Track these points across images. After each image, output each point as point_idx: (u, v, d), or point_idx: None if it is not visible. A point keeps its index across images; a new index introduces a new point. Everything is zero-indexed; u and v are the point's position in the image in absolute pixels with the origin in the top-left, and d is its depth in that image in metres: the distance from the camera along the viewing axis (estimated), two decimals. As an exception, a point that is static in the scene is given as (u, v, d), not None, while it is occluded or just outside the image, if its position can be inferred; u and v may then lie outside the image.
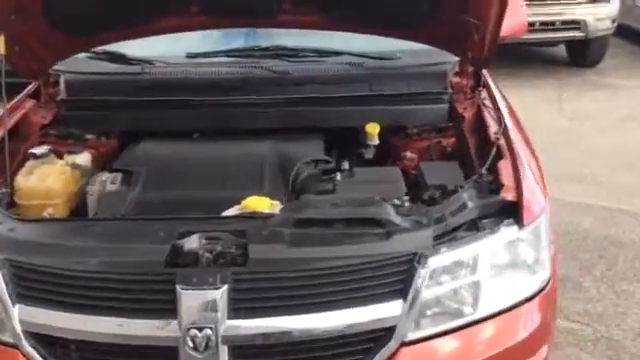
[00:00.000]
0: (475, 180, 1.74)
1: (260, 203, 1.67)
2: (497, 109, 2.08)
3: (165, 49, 2.42)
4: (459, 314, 1.57)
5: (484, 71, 2.37)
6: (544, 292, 1.67)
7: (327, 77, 2.23)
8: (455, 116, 2.18)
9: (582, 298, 3.03)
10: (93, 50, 2.37)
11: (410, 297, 1.48)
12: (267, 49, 2.34)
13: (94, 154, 2.15)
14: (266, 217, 1.60)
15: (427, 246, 1.51)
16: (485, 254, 1.58)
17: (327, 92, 2.18)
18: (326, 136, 2.16)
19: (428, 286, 1.50)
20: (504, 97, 2.47)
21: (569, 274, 3.22)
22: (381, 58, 2.31)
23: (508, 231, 1.61)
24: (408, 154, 2.12)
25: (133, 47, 2.37)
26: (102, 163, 2.14)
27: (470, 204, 1.63)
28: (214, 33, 2.40)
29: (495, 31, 2.03)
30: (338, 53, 2.33)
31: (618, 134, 5.16)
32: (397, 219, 1.55)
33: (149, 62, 2.33)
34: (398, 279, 1.49)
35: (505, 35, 2.60)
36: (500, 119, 2.00)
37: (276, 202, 1.71)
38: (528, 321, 1.64)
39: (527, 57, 7.29)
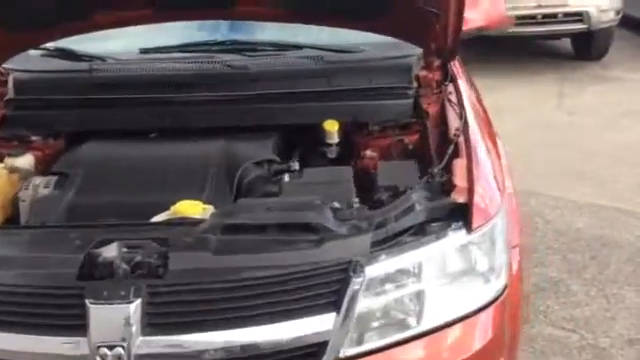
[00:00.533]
0: (427, 181, 1.61)
1: (191, 208, 1.55)
2: (461, 104, 1.94)
3: (120, 45, 2.32)
4: (404, 326, 1.44)
5: (455, 63, 2.24)
6: (499, 302, 1.53)
7: (283, 72, 2.10)
8: (419, 112, 2.04)
9: (570, 302, 2.89)
10: (44, 47, 2.28)
11: (344, 309, 1.35)
12: (224, 43, 2.23)
13: (39, 156, 2.04)
14: (194, 223, 1.49)
15: (363, 253, 1.38)
16: (431, 261, 1.44)
17: (283, 88, 2.06)
18: (284, 134, 2.04)
19: (366, 296, 1.38)
20: (476, 90, 2.34)
21: (558, 276, 3.08)
22: (342, 51, 2.18)
23: (456, 236, 1.47)
24: (368, 153, 1.99)
25: (87, 43, 2.27)
26: (47, 166, 2.04)
27: (418, 207, 1.50)
28: (170, 27, 2.28)
29: (457, 22, 1.90)
30: (298, 47, 2.21)
31: (620, 129, 4.98)
32: (333, 224, 1.43)
33: (100, 59, 2.23)
34: (330, 290, 1.36)
35: (483, 26, 2.50)
36: (462, 115, 1.87)
37: (209, 206, 1.59)
38: (481, 333, 1.51)
39: (530, 51, 7.11)
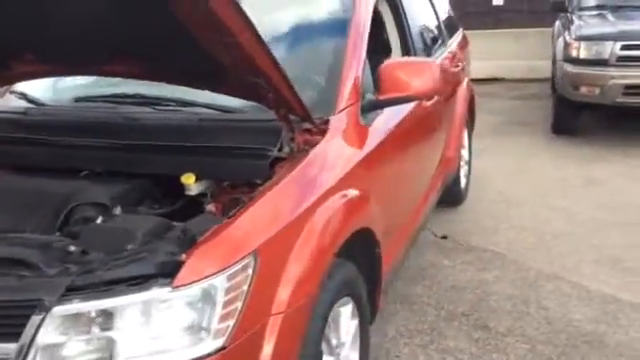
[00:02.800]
0: (177, 236, 1.69)
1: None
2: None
3: (71, 93, 2.68)
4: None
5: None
6: (208, 362, 1.55)
7: (159, 126, 2.29)
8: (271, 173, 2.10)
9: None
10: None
11: (22, 342, 1.48)
12: (132, 96, 2.47)
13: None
14: None
15: (55, 294, 1.50)
16: (126, 311, 1.52)
17: (151, 140, 2.23)
18: (146, 183, 2.19)
19: (52, 334, 1.49)
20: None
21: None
22: (225, 111, 2.31)
23: (160, 290, 1.53)
24: (208, 207, 2.09)
25: (44, 89, 2.68)
26: None
27: (146, 258, 1.59)
28: (102, 80, 2.59)
29: (290, 93, 1.96)
30: (191, 104, 2.38)
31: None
32: (45, 264, 1.57)
33: (42, 104, 2.60)
34: (14, 323, 1.50)
35: (411, 95, 2.49)
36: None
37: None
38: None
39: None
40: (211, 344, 1.56)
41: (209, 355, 1.55)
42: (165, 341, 1.54)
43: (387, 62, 2.54)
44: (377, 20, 3.35)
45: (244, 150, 2.14)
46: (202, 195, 2.18)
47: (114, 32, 1.86)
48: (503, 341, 3.04)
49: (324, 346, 2.10)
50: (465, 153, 4.90)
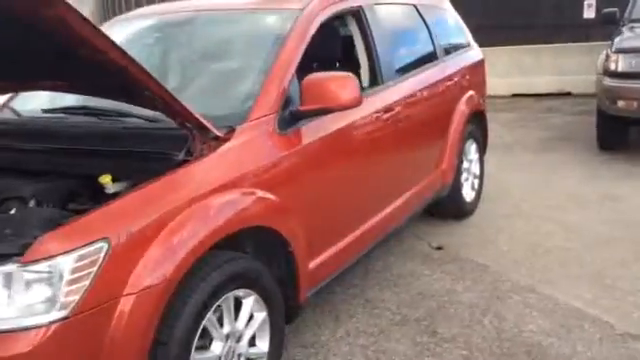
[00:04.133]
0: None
1: None
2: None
3: (42, 104, 3.10)
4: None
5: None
6: (54, 331, 1.84)
7: (86, 133, 2.64)
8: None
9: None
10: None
11: None
12: (82, 108, 2.83)
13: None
14: None
15: None
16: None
17: (81, 145, 2.58)
18: (72, 183, 2.51)
19: None
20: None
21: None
22: (151, 120, 2.61)
23: (12, 266, 1.85)
24: None
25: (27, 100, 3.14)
26: None
27: (10, 240, 1.93)
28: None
29: (177, 105, 2.24)
30: (128, 114, 2.70)
31: None
32: None
33: (18, 114, 3.04)
34: None
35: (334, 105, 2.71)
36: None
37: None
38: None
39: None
40: (56, 314, 1.85)
41: (52, 323, 1.84)
42: (18, 308, 1.85)
43: (309, 76, 2.75)
44: (337, 39, 3.60)
45: (153, 154, 2.44)
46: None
47: (21, 61, 2.24)
48: (442, 346, 3.12)
49: (214, 332, 2.34)
50: (473, 167, 4.94)
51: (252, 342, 2.58)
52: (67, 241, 1.91)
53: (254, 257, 2.59)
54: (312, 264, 2.87)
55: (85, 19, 1.88)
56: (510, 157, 6.88)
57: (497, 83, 11.31)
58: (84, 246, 1.91)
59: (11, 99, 3.31)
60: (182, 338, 2.16)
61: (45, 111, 2.97)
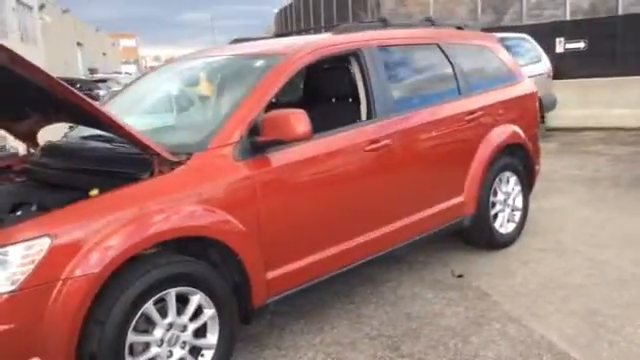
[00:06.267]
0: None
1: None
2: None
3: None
4: None
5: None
6: (5, 299, 2.48)
7: (86, 156, 3.36)
8: None
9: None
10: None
11: None
12: (99, 136, 3.55)
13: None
14: None
15: None
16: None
17: (82, 165, 3.31)
18: (73, 194, 3.15)
19: None
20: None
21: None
22: (122, 144, 3.24)
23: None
24: None
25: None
26: None
27: None
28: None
29: (134, 138, 2.88)
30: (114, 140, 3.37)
31: None
32: None
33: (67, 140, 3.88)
34: None
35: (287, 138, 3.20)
36: None
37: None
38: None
39: None
40: (7, 287, 2.51)
41: (4, 293, 2.50)
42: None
43: (268, 113, 3.24)
44: (333, 77, 4.05)
45: (130, 174, 3.06)
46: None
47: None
48: (396, 360, 3.38)
49: (157, 320, 2.88)
50: (511, 200, 5.02)
51: (202, 334, 3.08)
52: (19, 234, 2.57)
53: (212, 263, 3.09)
54: (270, 275, 3.31)
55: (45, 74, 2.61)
56: (591, 192, 6.71)
57: (625, 114, 10.78)
58: (30, 239, 2.56)
59: (72, 128, 4.15)
60: (118, 320, 2.72)
61: (82, 138, 3.75)
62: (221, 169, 3.14)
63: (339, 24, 4.29)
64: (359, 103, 4.01)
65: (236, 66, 3.93)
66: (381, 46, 4.13)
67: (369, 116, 3.94)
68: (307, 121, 3.21)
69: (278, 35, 4.88)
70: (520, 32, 12.34)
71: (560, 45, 18.47)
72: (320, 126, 3.70)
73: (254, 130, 3.26)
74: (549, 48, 15.30)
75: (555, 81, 11.12)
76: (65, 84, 2.76)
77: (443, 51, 4.60)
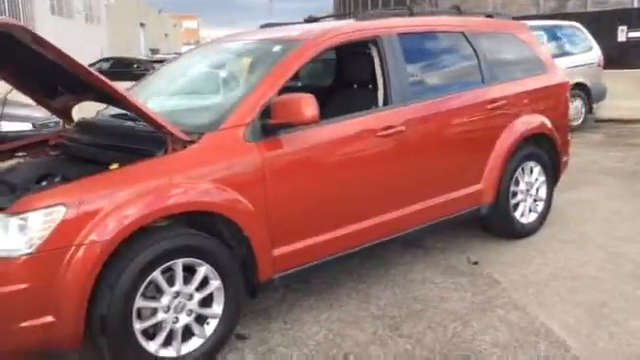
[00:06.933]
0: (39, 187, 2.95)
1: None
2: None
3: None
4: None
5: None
6: (22, 261, 2.72)
7: (112, 132, 3.58)
8: None
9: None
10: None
11: None
12: (125, 114, 3.77)
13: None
14: None
15: None
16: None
17: (106, 140, 3.53)
18: (95, 167, 3.36)
19: None
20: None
21: None
22: (135, 120, 3.48)
23: (1, 214, 2.78)
24: None
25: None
26: None
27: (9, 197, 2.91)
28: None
29: (149, 118, 3.09)
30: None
31: None
32: None
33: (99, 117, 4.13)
34: None
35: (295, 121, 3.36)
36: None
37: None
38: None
39: None
40: (26, 250, 2.75)
41: (22, 255, 2.74)
42: (6, 241, 2.77)
43: (279, 97, 3.39)
44: (351, 63, 4.17)
45: (144, 151, 3.27)
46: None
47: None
48: (395, 340, 3.49)
49: (164, 287, 3.09)
50: (534, 190, 5.02)
51: (209, 304, 3.28)
52: (38, 202, 2.81)
53: (223, 238, 3.28)
54: (277, 252, 3.47)
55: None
56: (627, 186, 6.60)
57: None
58: (47, 207, 2.80)
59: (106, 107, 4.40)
60: (126, 285, 2.94)
61: (111, 116, 3.99)
62: (231, 149, 3.31)
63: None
64: (377, 89, 4.11)
65: (257, 51, 4.09)
66: (402, 33, 4.19)
67: (385, 102, 4.03)
68: (315, 105, 3.33)
69: (307, 20, 4.99)
70: (582, 20, 12.06)
71: (622, 34, 17.90)
72: (339, 111, 3.83)
73: (266, 113, 3.41)
74: (610, 37, 14.86)
75: (606, 71, 10.84)
76: (85, 65, 2.98)
77: (468, 40, 4.63)
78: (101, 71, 24.31)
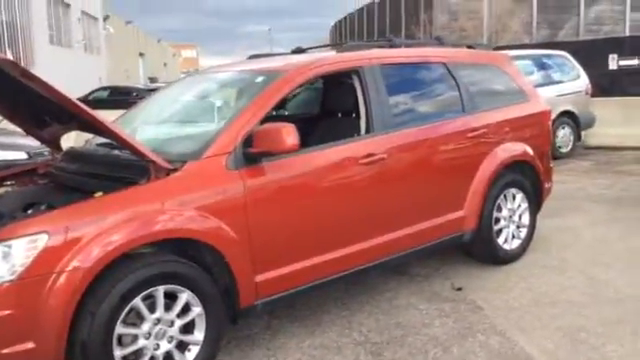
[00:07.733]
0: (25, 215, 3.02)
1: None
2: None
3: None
4: None
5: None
6: (4, 288, 2.78)
7: (95, 161, 3.66)
8: None
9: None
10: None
11: None
12: (110, 143, 3.86)
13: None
14: None
15: None
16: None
17: (89, 170, 3.62)
18: (80, 195, 3.43)
19: None
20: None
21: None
22: (120, 149, 3.57)
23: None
24: None
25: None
26: None
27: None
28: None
29: (132, 147, 3.17)
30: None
31: None
32: None
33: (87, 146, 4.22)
34: None
35: (275, 150, 3.43)
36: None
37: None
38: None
39: None
40: (8, 277, 2.81)
41: (5, 282, 2.80)
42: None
43: (260, 126, 3.48)
44: (334, 93, 4.27)
45: (128, 179, 3.35)
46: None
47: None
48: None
49: (145, 314, 3.13)
50: (517, 216, 5.10)
51: (190, 330, 3.32)
52: (21, 230, 2.88)
53: (205, 265, 3.34)
54: (259, 278, 3.53)
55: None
56: (611, 212, 6.68)
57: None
58: (30, 235, 2.86)
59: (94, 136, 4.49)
60: (108, 311, 2.99)
61: (98, 145, 4.07)
62: (214, 177, 3.39)
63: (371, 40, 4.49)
64: (360, 118, 4.20)
65: (242, 81, 4.21)
66: (383, 64, 4.31)
67: (367, 131, 4.12)
68: (296, 134, 3.42)
69: (294, 51, 5.11)
70: (574, 48, 12.25)
71: (613, 62, 18.13)
72: (324, 139, 3.93)
73: (249, 141, 3.50)
74: (601, 65, 15.03)
75: (595, 99, 11.00)
76: (70, 97, 3.07)
77: (449, 70, 4.75)
78: (100, 99, 24.67)
